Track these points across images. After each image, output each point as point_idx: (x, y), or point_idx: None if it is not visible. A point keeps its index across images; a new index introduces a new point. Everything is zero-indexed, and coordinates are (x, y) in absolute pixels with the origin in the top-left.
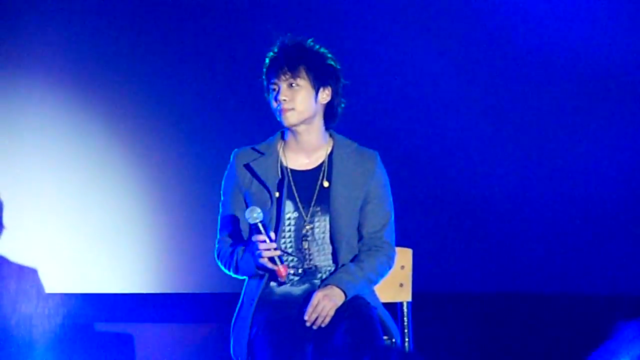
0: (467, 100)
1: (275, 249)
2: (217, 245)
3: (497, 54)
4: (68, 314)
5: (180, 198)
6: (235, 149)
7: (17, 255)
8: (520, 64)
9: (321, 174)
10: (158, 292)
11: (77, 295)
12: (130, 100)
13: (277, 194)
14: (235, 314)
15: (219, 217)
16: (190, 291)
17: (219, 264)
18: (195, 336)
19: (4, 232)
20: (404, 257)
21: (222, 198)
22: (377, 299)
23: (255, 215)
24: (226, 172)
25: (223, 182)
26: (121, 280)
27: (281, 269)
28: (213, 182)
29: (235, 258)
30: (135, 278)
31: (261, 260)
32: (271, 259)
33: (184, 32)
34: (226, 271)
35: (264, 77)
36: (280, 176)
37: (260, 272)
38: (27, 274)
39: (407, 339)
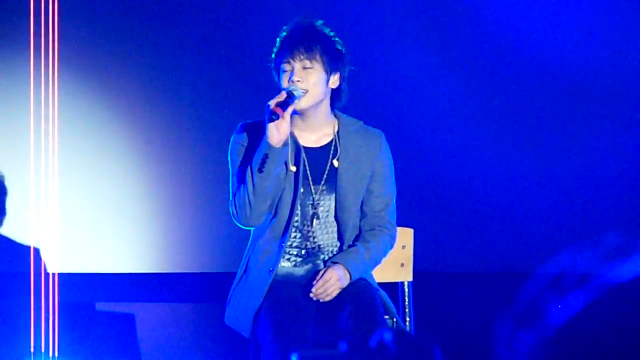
0: (469, 87)
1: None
2: (231, 199)
3: (496, 46)
4: (69, 293)
5: (183, 179)
6: (241, 122)
7: (19, 235)
8: (516, 53)
9: (330, 153)
10: (158, 271)
11: (78, 275)
12: (133, 88)
13: (293, 168)
14: (237, 282)
15: (231, 181)
16: (191, 271)
17: (235, 210)
18: (196, 315)
19: (7, 212)
20: (405, 236)
21: (231, 166)
22: (374, 279)
23: (293, 88)
24: (233, 144)
25: (231, 151)
26: (122, 260)
27: (276, 108)
28: (213, 162)
29: (250, 169)
30: (136, 258)
31: (271, 103)
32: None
33: (185, 27)
34: (241, 206)
35: (273, 56)
36: (295, 150)
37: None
38: (29, 254)
39: (408, 319)
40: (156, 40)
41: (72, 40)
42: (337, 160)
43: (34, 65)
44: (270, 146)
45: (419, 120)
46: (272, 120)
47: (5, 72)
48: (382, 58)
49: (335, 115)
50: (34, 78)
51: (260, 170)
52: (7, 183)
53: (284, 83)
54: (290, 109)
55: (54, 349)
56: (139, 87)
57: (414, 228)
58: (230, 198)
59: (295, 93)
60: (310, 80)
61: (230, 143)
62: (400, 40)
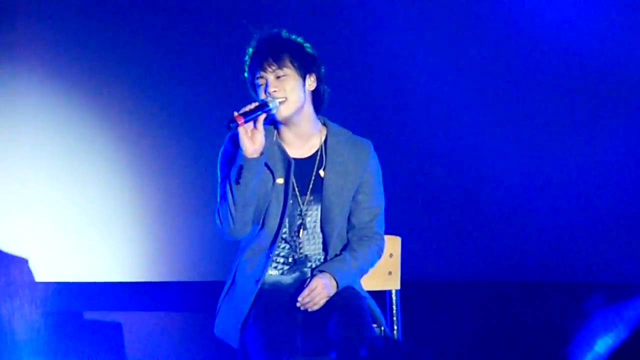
0: (458, 89)
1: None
2: (216, 211)
3: (489, 44)
4: (57, 302)
5: (170, 187)
6: (230, 133)
7: (7, 244)
8: (511, 51)
9: (316, 163)
10: (147, 280)
11: (66, 284)
12: (121, 94)
13: (280, 180)
14: (225, 294)
15: (219, 189)
16: (179, 280)
17: (219, 222)
18: (184, 324)
19: None
20: (392, 245)
21: (220, 174)
22: (362, 288)
23: (269, 99)
24: (221, 155)
25: (220, 160)
26: (110, 268)
27: (238, 117)
28: (201, 171)
29: (228, 181)
30: (124, 267)
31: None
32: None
33: (181, 29)
34: (224, 218)
35: (246, 73)
36: (283, 162)
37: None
38: (17, 263)
39: (395, 327)
40: (146, 41)
41: (54, 39)
42: (324, 170)
43: (29, 68)
44: (244, 157)
45: (406, 127)
46: (229, 128)
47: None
48: (369, 64)
49: (324, 124)
50: (27, 81)
51: (237, 182)
52: None
53: (262, 96)
54: (261, 119)
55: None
56: (128, 93)
57: (401, 236)
58: (216, 210)
59: (270, 104)
60: (286, 88)
61: (219, 154)
62: (397, 43)
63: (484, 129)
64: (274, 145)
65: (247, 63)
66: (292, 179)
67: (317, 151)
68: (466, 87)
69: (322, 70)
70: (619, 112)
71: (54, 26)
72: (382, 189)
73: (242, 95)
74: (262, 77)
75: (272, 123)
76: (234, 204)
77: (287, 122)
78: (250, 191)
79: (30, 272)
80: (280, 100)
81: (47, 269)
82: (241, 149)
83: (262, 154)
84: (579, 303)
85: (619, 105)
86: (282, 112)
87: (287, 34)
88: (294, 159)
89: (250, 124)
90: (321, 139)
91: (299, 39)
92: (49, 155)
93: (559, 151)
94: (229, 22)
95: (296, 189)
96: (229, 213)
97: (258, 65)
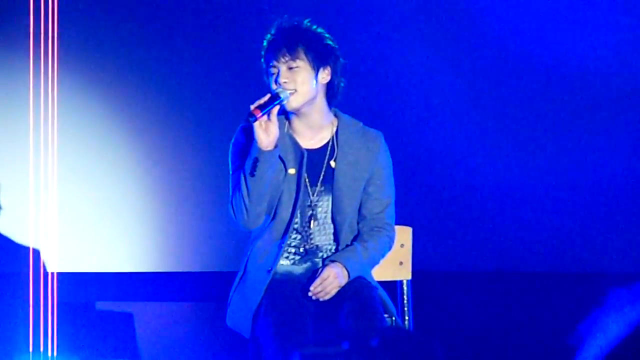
0: (469, 82)
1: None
2: (229, 202)
3: (496, 45)
4: (68, 292)
5: (182, 178)
6: (242, 124)
7: (18, 235)
8: (516, 53)
9: (327, 154)
10: (158, 270)
11: (77, 274)
12: (132, 88)
13: (292, 171)
14: (236, 284)
15: (230, 185)
16: (190, 270)
17: (233, 213)
18: (195, 314)
19: (6, 212)
20: (403, 235)
21: (230, 169)
22: (373, 278)
23: (279, 90)
24: (232, 147)
25: (232, 151)
26: (121, 259)
27: (255, 110)
28: (213, 161)
29: (243, 173)
30: (135, 257)
31: (252, 107)
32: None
33: (186, 27)
34: (238, 210)
35: (262, 60)
36: (295, 153)
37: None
38: (29, 253)
39: (406, 317)
40: (156, 40)
41: (71, 40)
42: (334, 161)
43: (33, 64)
44: (259, 150)
45: (417, 118)
46: (248, 122)
47: (4, 72)
48: (382, 56)
49: (335, 115)
50: (33, 78)
51: (252, 174)
52: (5, 183)
53: (272, 86)
54: (275, 111)
55: (52, 348)
56: (138, 87)
57: (412, 226)
58: (229, 202)
59: (281, 95)
60: (297, 80)
61: (231, 146)
62: (400, 39)
63: (494, 120)
64: (285, 136)
65: (264, 50)
66: (305, 170)
67: (328, 142)
68: (476, 80)
69: (340, 62)
70: (621, 106)
71: (68, 25)
72: (392, 180)
73: (250, 89)
74: (275, 66)
75: (283, 113)
76: (249, 195)
77: (297, 113)
78: (265, 183)
79: (42, 263)
80: (290, 91)
81: (59, 260)
82: (255, 141)
83: (276, 146)
84: (591, 293)
85: (619, 99)
86: (291, 103)
87: (309, 24)
88: (307, 149)
89: (265, 116)
90: (332, 130)
91: (319, 30)
92: (62, 147)
93: (569, 144)
94: (238, 20)
95: (306, 180)
96: (243, 205)
97: (272, 54)
